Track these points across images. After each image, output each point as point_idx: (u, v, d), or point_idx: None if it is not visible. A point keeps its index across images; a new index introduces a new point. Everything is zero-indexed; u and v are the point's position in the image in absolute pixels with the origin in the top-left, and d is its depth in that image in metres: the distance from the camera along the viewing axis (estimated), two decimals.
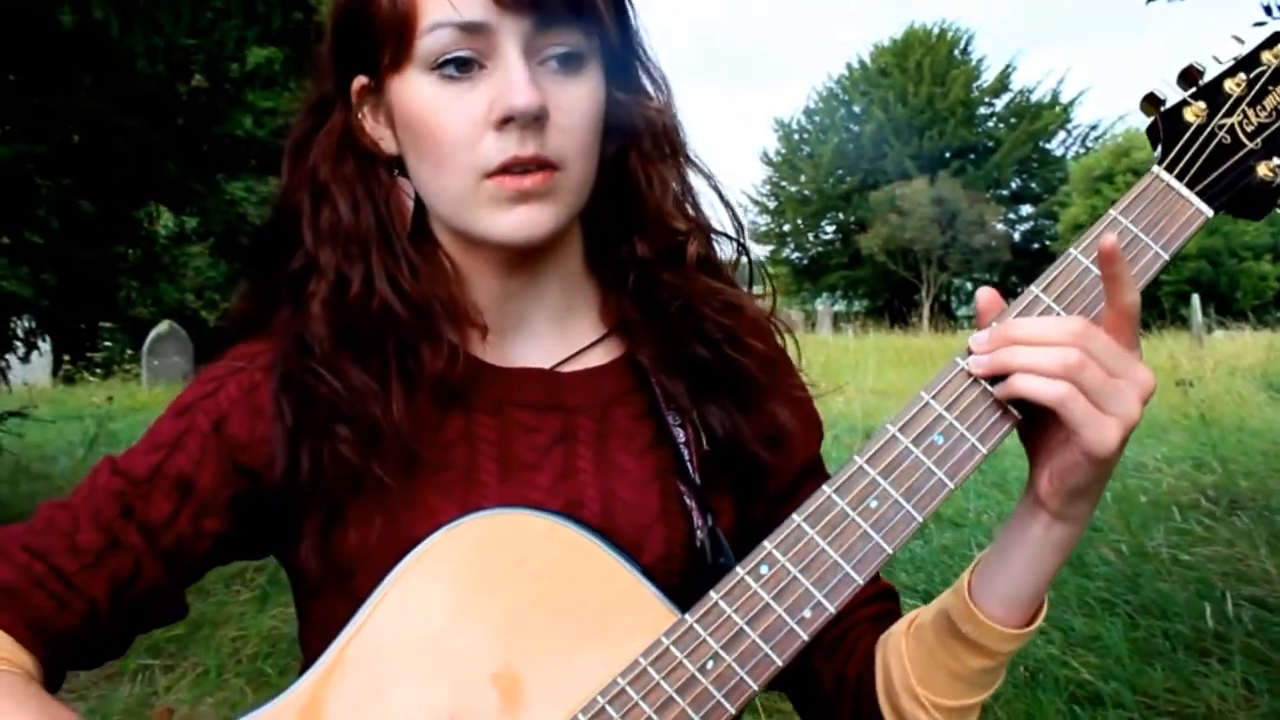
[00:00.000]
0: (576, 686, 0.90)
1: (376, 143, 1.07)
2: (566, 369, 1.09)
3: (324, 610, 1.03)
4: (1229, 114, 0.95)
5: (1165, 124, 0.96)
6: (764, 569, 0.89)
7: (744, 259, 1.17)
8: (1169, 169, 0.95)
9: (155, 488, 1.00)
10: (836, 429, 8.61)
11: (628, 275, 1.10)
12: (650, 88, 1.10)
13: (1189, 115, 0.96)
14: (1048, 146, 40.37)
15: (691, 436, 1.07)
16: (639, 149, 1.09)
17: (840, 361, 14.82)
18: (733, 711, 0.87)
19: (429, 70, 0.99)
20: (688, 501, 1.05)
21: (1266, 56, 0.96)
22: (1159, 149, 0.96)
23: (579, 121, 1.01)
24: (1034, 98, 39.98)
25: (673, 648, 0.89)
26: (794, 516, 0.91)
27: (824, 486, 0.91)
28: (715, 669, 0.88)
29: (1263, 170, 0.95)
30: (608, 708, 0.88)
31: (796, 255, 42.40)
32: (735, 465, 1.09)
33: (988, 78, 40.24)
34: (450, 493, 1.01)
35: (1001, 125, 40.10)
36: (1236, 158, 0.95)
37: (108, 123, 6.25)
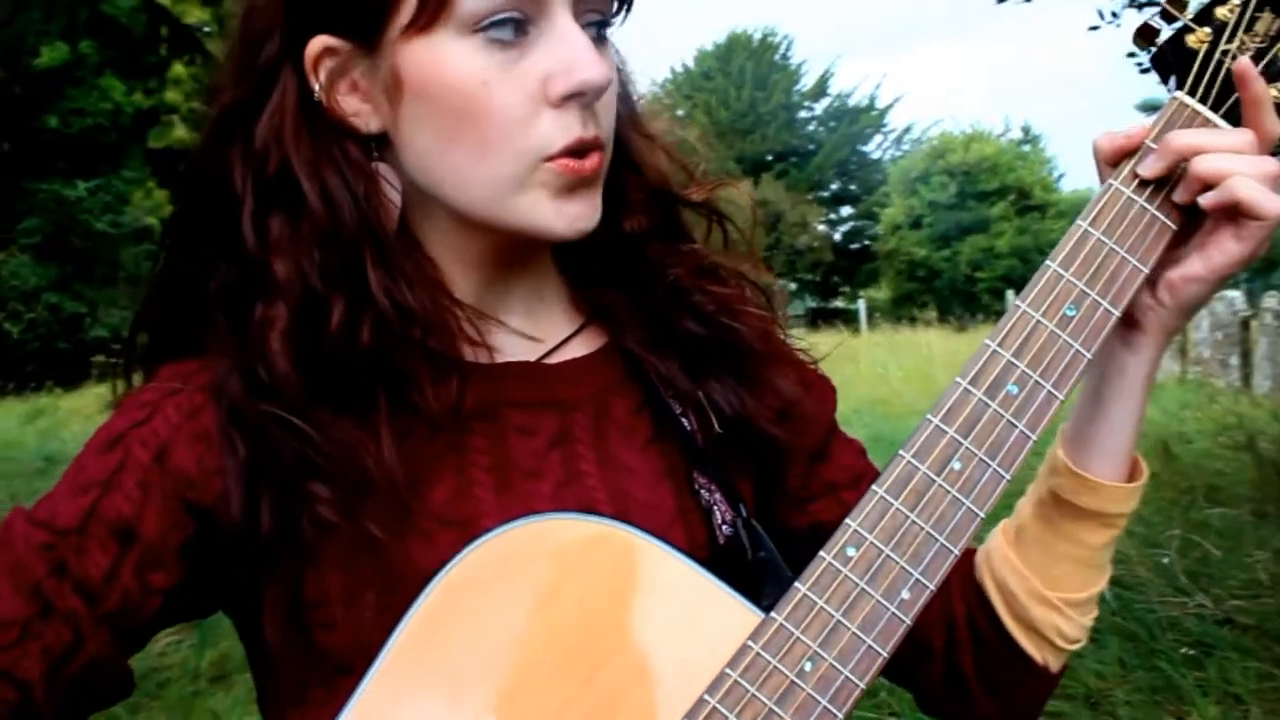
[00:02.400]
0: (661, 713, 0.76)
1: (348, 118, 0.86)
2: (552, 360, 0.95)
3: (298, 671, 0.86)
4: (1229, 40, 0.91)
5: (1172, 51, 0.92)
6: (851, 551, 0.78)
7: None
8: (1190, 93, 0.91)
9: (89, 537, 0.81)
10: None
11: (602, 258, 0.97)
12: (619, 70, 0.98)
13: (1192, 42, 0.92)
14: (865, 149, 41.58)
15: (697, 424, 0.95)
16: (634, 119, 0.98)
17: None
18: (840, 717, 0.76)
19: (471, 33, 0.81)
20: (705, 495, 0.93)
21: None
22: (1174, 77, 0.92)
23: (614, 97, 0.89)
24: (851, 102, 41.13)
25: (763, 653, 0.76)
26: (875, 488, 0.80)
27: (901, 452, 0.81)
28: (815, 671, 0.76)
29: (1273, 93, 0.91)
30: None
31: None
32: (747, 445, 0.97)
33: (807, 82, 41.21)
34: (443, 513, 0.85)
35: (821, 129, 41.07)
36: None
37: None
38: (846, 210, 41.50)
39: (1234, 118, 0.90)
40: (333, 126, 0.86)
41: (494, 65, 0.82)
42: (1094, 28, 5.84)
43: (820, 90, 41.16)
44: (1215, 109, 0.90)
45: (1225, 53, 0.91)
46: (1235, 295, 13.42)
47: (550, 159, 0.84)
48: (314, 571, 0.83)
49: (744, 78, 39.73)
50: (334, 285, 0.83)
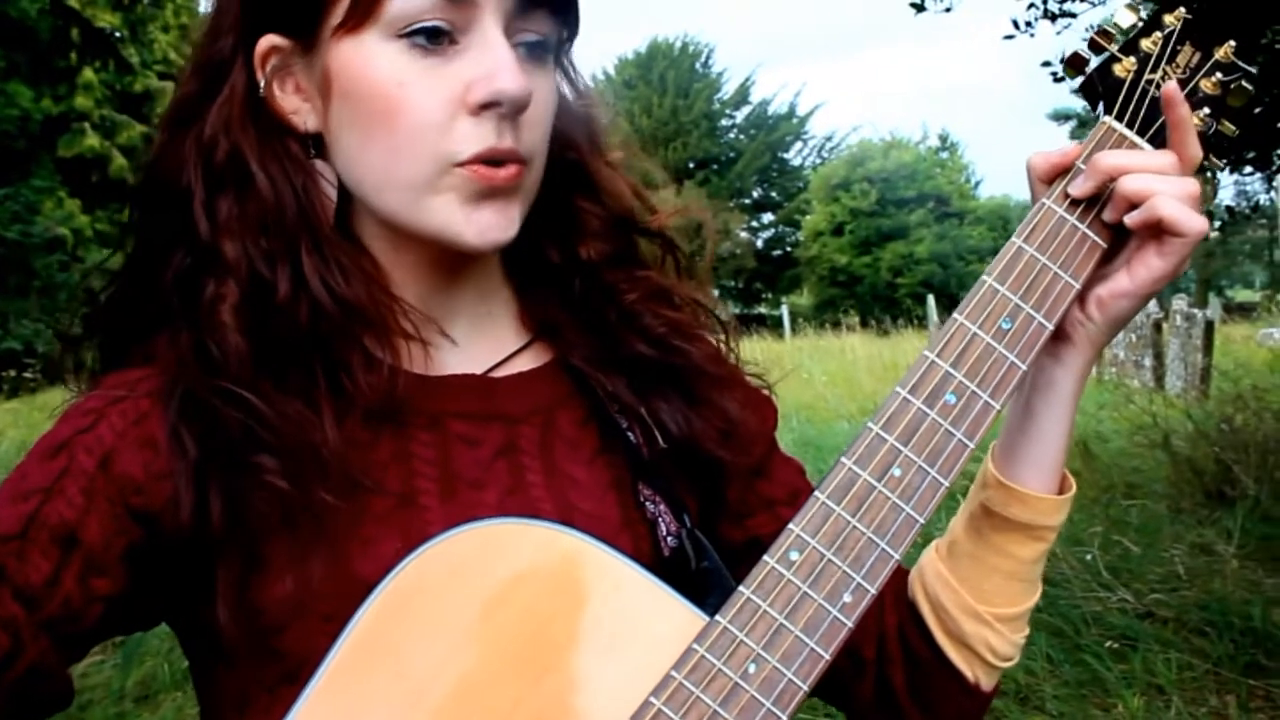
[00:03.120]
0: (607, 714, 0.76)
1: (288, 116, 0.89)
2: (498, 374, 0.95)
3: (239, 680, 0.85)
4: (1153, 70, 0.95)
5: (1101, 79, 0.96)
6: (794, 555, 0.79)
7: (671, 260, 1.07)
8: (1117, 118, 0.94)
9: (31, 543, 0.80)
10: None
11: (555, 278, 0.99)
12: (581, 94, 1.00)
13: (1119, 70, 0.95)
14: (786, 156, 42.00)
15: (643, 438, 0.96)
16: (596, 148, 1.00)
17: None
18: (784, 718, 0.76)
19: (395, 37, 0.84)
20: (650, 507, 0.94)
21: (1168, 19, 0.97)
22: (1101, 103, 0.96)
23: (544, 116, 0.90)
24: (771, 110, 41.53)
25: (707, 655, 0.77)
26: (817, 494, 0.81)
27: (842, 459, 0.82)
28: (759, 673, 0.76)
29: (1193, 121, 0.95)
30: None
31: None
32: (692, 464, 0.98)
33: (728, 90, 41.52)
34: (388, 520, 0.85)
35: (742, 136, 41.43)
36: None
37: None
38: (768, 217, 41.86)
39: (1157, 142, 0.93)
40: (275, 123, 0.89)
41: (415, 69, 0.84)
42: (1009, 37, 5.96)
43: (741, 98, 41.51)
44: (1141, 134, 0.93)
45: (1150, 81, 0.94)
46: None
47: (461, 164, 0.85)
48: (259, 577, 0.83)
49: (665, 86, 39.93)
50: (277, 264, 0.86)
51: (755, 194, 41.64)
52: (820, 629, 0.77)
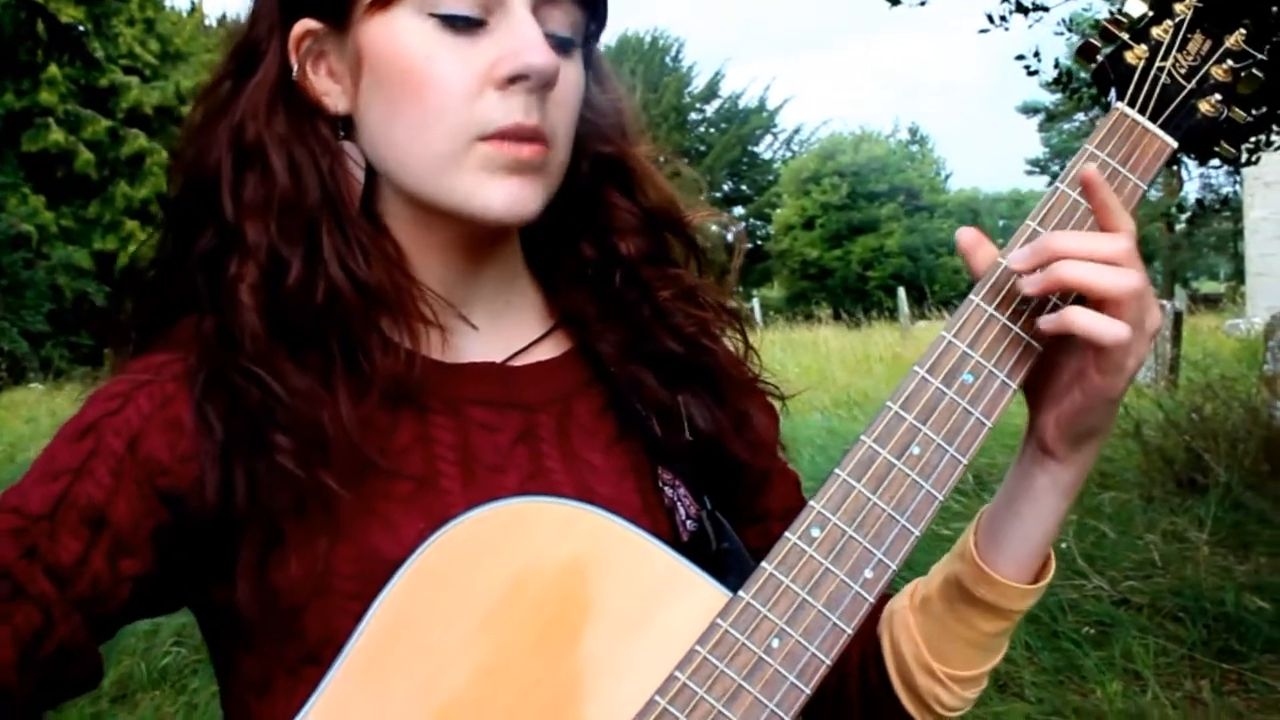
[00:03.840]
0: (631, 690, 0.76)
1: (320, 98, 0.91)
2: (517, 363, 0.96)
3: (261, 662, 0.86)
4: (1164, 58, 0.96)
5: (1113, 66, 0.96)
6: (815, 531, 0.80)
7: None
8: (1130, 104, 0.94)
9: (60, 523, 0.81)
10: None
11: (587, 273, 1.00)
12: (612, 90, 1.01)
13: (1130, 58, 0.96)
14: (756, 150, 42.11)
15: (662, 427, 0.97)
16: (629, 141, 1.01)
17: None
18: (808, 692, 0.76)
19: (425, 15, 0.85)
20: (668, 492, 0.94)
21: (1178, 7, 0.97)
22: (1113, 89, 0.96)
23: (570, 102, 0.91)
24: (741, 104, 41.60)
25: (731, 630, 0.77)
26: (837, 471, 0.82)
27: (862, 437, 0.83)
28: (783, 647, 0.77)
29: (1205, 107, 0.96)
30: (669, 709, 0.75)
31: None
32: (712, 462, 0.99)
33: (698, 84, 41.56)
34: (410, 504, 0.86)
35: (713, 130, 41.49)
36: (1181, 96, 0.96)
37: None
38: (739, 210, 41.90)
39: (1171, 126, 0.93)
40: (306, 105, 0.91)
41: (444, 44, 0.85)
42: (983, 31, 5.97)
43: (711, 92, 41.57)
44: (1154, 119, 0.94)
45: (1160, 69, 0.95)
46: None
47: (486, 139, 0.85)
48: (278, 557, 0.83)
49: (635, 80, 39.82)
50: (293, 246, 0.87)
51: (726, 187, 41.69)
52: (843, 604, 0.78)
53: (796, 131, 42.65)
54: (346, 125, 0.91)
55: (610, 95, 1.00)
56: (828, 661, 0.77)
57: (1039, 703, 3.85)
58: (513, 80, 0.84)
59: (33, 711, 0.80)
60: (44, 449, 0.85)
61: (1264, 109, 5.77)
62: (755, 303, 30.18)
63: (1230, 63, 0.95)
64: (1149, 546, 5.18)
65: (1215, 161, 7.32)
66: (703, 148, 40.78)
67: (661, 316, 0.98)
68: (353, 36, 0.88)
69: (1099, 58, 0.97)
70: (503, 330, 0.97)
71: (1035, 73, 6.01)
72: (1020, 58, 6.08)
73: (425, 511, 0.85)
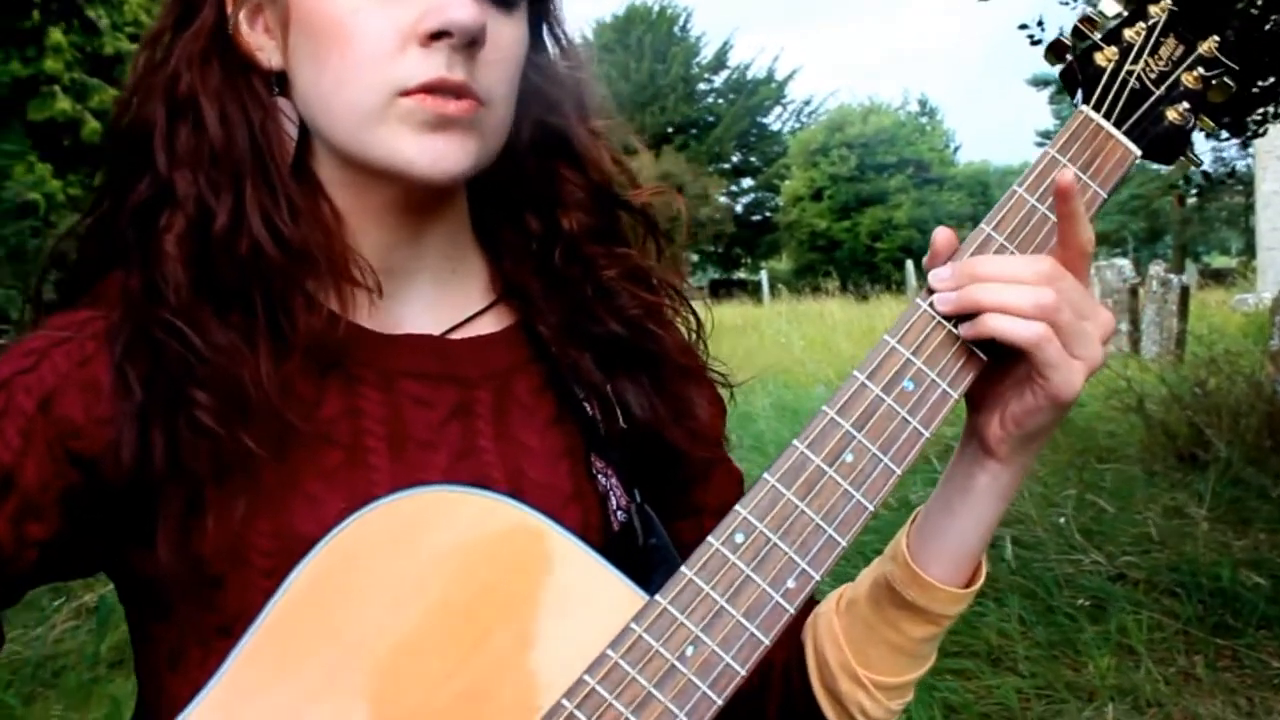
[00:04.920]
0: (538, 690, 0.75)
1: (254, 52, 0.89)
2: (456, 336, 0.94)
3: (177, 630, 0.84)
4: (1135, 61, 0.94)
5: (1081, 68, 0.94)
6: (739, 537, 0.77)
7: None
8: (1095, 108, 0.92)
9: None
10: None
11: (531, 247, 0.97)
12: (572, 60, 0.99)
13: (1100, 60, 0.94)
14: (765, 121, 41.88)
15: (600, 411, 0.95)
16: (583, 114, 0.98)
17: None
18: (720, 703, 0.75)
19: None
20: (601, 480, 0.93)
21: (1153, 10, 0.95)
22: (1080, 91, 0.94)
23: (507, 60, 0.88)
24: (750, 74, 41.34)
25: (645, 635, 0.75)
26: (766, 476, 0.79)
27: (795, 442, 0.80)
28: (697, 655, 0.75)
29: (1172, 114, 0.94)
30: (576, 713, 0.73)
31: None
32: (648, 449, 0.97)
33: (706, 54, 41.31)
34: (334, 478, 0.84)
35: (721, 101, 41.26)
36: (1149, 102, 0.94)
37: None
38: (747, 182, 41.81)
39: (1136, 134, 0.91)
40: (240, 60, 0.89)
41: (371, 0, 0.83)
42: None
43: (719, 63, 41.32)
44: (1118, 125, 0.91)
45: (1130, 72, 0.93)
46: (1124, 264, 13.82)
47: (408, 94, 0.83)
48: (198, 522, 0.81)
49: (643, 50, 39.69)
50: (220, 198, 0.86)
51: (734, 159, 41.55)
52: (762, 613, 0.76)
53: (806, 103, 42.57)
54: (281, 81, 0.89)
55: (570, 64, 0.98)
56: (743, 672, 0.75)
57: (1031, 677, 3.84)
58: (435, 37, 0.82)
59: None
60: None
61: (1272, 80, 5.73)
62: (763, 275, 30.12)
63: (1201, 70, 0.93)
64: (1148, 521, 5.17)
65: (1225, 134, 7.25)
66: (711, 118, 40.60)
67: (605, 296, 0.96)
68: None
69: (1068, 57, 0.94)
70: (446, 301, 0.95)
71: (1038, 42, 5.94)
72: (1024, 27, 6.03)
73: (349, 489, 0.83)
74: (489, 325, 0.96)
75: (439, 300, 0.94)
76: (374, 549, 0.76)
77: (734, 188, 41.60)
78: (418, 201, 0.90)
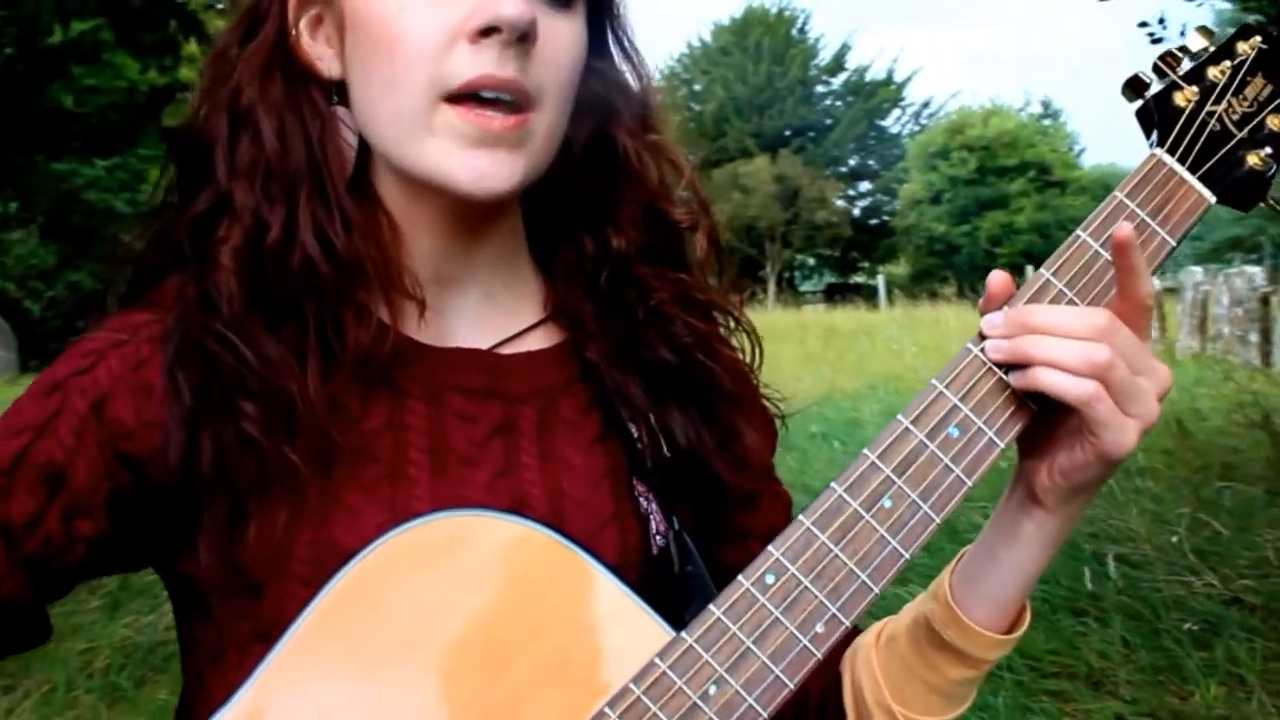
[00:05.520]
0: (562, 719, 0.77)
1: (314, 63, 0.90)
2: (504, 351, 0.95)
3: (217, 633, 0.87)
4: (1216, 101, 0.90)
5: (1158, 107, 0.91)
6: (770, 579, 0.78)
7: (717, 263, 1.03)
8: (1170, 152, 0.89)
9: (17, 480, 0.82)
10: None
11: (586, 265, 0.97)
12: (635, 68, 0.98)
13: (1179, 100, 0.91)
14: (883, 124, 41.36)
15: (646, 435, 0.95)
16: (627, 126, 0.97)
17: None
18: None
19: None
20: (643, 503, 0.93)
21: (1242, 47, 0.92)
22: (1155, 132, 0.91)
23: (562, 59, 0.88)
24: (869, 76, 40.86)
25: (669, 671, 0.76)
26: (801, 519, 0.80)
27: (833, 485, 0.81)
28: (720, 695, 0.76)
29: (1253, 160, 0.90)
30: None
31: None
32: (691, 476, 0.97)
33: (824, 57, 40.97)
34: (375, 490, 0.86)
35: (839, 103, 40.89)
36: (1229, 146, 0.90)
37: None
38: (865, 185, 41.32)
39: (1212, 180, 0.88)
40: (301, 71, 0.90)
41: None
42: None
43: (838, 65, 40.96)
44: (1193, 170, 0.88)
45: (1211, 114, 0.90)
46: (1255, 271, 13.30)
47: (452, 100, 0.84)
48: (240, 530, 0.83)
49: (761, 53, 39.53)
50: (274, 210, 0.87)
51: (852, 162, 41.13)
52: (788, 657, 0.77)
53: (925, 105, 41.81)
54: (340, 91, 0.90)
55: (633, 72, 0.98)
56: (765, 715, 0.76)
57: (1133, 703, 3.74)
58: (484, 33, 0.82)
59: None
60: (15, 400, 0.86)
61: None
62: (880, 280, 29.73)
63: None
64: (1267, 544, 4.97)
65: None
66: (829, 121, 40.27)
67: (657, 321, 0.95)
68: None
69: (1146, 95, 0.92)
70: (496, 315, 0.95)
71: (1159, 40, 5.78)
72: (1144, 24, 5.86)
73: (390, 503, 0.85)
74: (538, 341, 0.96)
75: (489, 313, 0.95)
76: (404, 569, 0.78)
77: (851, 191, 41.17)
78: (468, 213, 0.90)
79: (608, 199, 0.97)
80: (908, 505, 0.80)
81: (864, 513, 0.80)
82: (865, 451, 0.81)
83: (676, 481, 0.96)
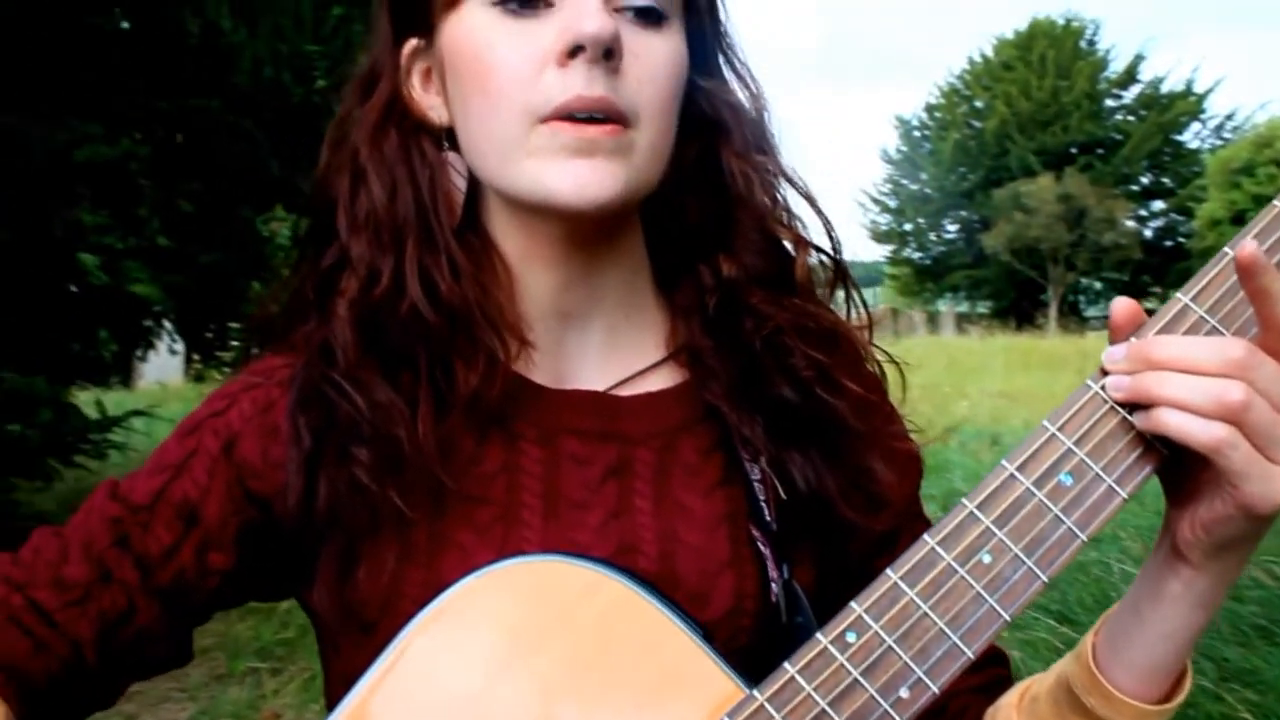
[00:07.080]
0: None
1: (426, 113, 0.94)
2: (623, 392, 0.94)
3: (345, 665, 0.90)
4: None
5: None
6: (851, 637, 0.73)
7: (841, 287, 1.00)
8: None
9: (156, 516, 0.88)
10: (962, 434, 8.31)
11: (704, 299, 0.94)
12: (744, 85, 0.97)
13: None
14: (1180, 139, 38.85)
15: (768, 477, 0.91)
16: (732, 145, 0.94)
17: (964, 364, 14.39)
18: None
19: (490, 4, 0.86)
20: (762, 549, 0.90)
21: None
22: None
23: (657, 75, 0.87)
24: (1165, 88, 38.55)
25: None
26: (888, 572, 0.74)
27: (926, 536, 0.75)
28: None
29: None
30: None
31: (918, 255, 41.72)
32: (817, 520, 0.93)
33: (1115, 69, 38.95)
34: (487, 532, 0.87)
35: (1131, 118, 38.72)
36: None
37: (215, 122, 6.26)
38: (1158, 205, 38.94)
39: None
40: (414, 123, 0.93)
41: (505, 29, 0.86)
42: None
43: (1130, 77, 38.82)
44: None
45: None
46: None
47: (547, 120, 0.84)
48: (354, 570, 0.87)
49: (1045, 66, 37.95)
50: (384, 260, 0.90)
51: (1144, 180, 38.84)
52: None
53: (1229, 117, 38.96)
54: (451, 136, 0.93)
55: (746, 93, 0.96)
56: None
57: None
58: (571, 55, 0.83)
59: (111, 685, 0.88)
60: (163, 440, 0.93)
61: None
62: None
63: None
64: None
65: None
66: (1119, 136, 38.21)
67: (775, 353, 0.92)
68: (438, 43, 0.90)
69: None
70: (618, 350, 0.95)
71: None
72: None
73: (500, 544, 0.86)
74: (660, 381, 0.95)
75: (610, 350, 0.95)
76: (477, 613, 0.78)
77: (1142, 211, 38.87)
78: (583, 238, 0.90)
79: (719, 223, 0.95)
80: (1009, 560, 0.73)
81: (958, 567, 0.73)
82: (964, 500, 0.75)
83: (797, 526, 0.92)
